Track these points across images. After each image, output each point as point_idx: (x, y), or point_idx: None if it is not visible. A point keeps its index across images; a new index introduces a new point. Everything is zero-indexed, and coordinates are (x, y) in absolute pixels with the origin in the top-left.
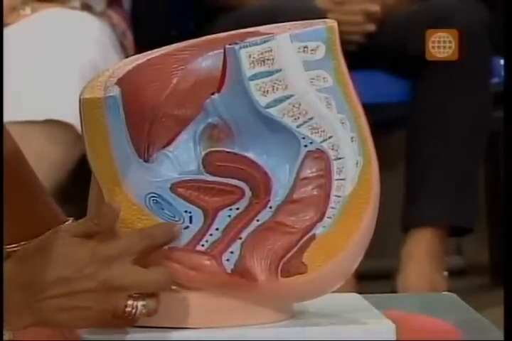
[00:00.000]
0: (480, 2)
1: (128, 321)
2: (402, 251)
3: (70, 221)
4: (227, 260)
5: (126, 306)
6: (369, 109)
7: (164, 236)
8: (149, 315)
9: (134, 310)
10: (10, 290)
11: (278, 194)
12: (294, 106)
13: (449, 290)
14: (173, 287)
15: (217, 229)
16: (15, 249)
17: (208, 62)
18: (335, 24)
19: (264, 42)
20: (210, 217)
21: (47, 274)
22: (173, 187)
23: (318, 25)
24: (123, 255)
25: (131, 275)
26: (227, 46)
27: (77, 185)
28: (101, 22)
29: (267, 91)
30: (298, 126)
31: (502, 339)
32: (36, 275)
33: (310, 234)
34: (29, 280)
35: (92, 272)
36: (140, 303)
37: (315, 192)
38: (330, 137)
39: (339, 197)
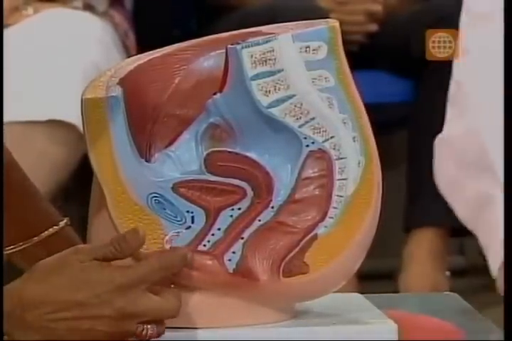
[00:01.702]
0: None
1: (133, 338)
2: (404, 251)
3: (65, 220)
4: (229, 260)
5: (136, 329)
6: (371, 108)
7: (180, 265)
8: (158, 337)
9: (144, 332)
10: (21, 305)
11: (280, 194)
12: (295, 106)
13: (450, 290)
14: (173, 286)
15: (219, 229)
16: (12, 250)
17: (209, 62)
18: (337, 24)
19: (266, 42)
20: (212, 216)
21: (62, 296)
22: (175, 187)
23: (320, 25)
24: (140, 283)
25: (145, 303)
26: (229, 46)
27: (79, 185)
28: (103, 22)
29: (269, 91)
30: (300, 126)
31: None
32: (51, 295)
33: (312, 234)
34: (42, 299)
35: (109, 299)
36: (149, 326)
37: (317, 192)
38: (332, 137)
39: (341, 197)
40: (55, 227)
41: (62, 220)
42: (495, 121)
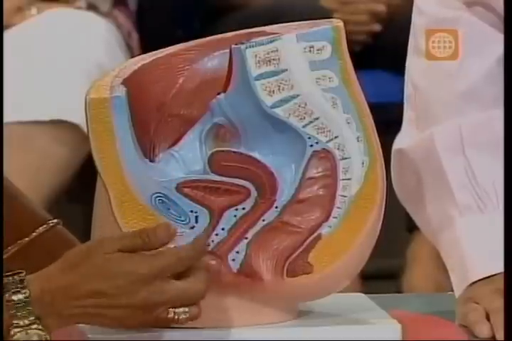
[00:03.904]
0: None
1: (169, 324)
2: (408, 251)
3: (56, 220)
4: (233, 260)
5: (167, 314)
6: (375, 108)
7: (202, 254)
8: (192, 320)
9: (176, 317)
10: (49, 292)
11: (284, 194)
12: (299, 106)
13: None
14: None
15: (223, 229)
16: (6, 255)
17: (213, 62)
18: (341, 24)
19: (270, 42)
20: (215, 216)
21: (88, 285)
22: (179, 187)
23: (324, 25)
24: (163, 273)
25: (169, 292)
26: (233, 46)
27: (83, 186)
28: (106, 22)
29: (273, 91)
30: (304, 126)
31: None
32: (77, 284)
33: (316, 233)
34: (69, 287)
35: (132, 290)
36: (181, 310)
37: (321, 192)
38: (336, 137)
39: (345, 196)
40: (44, 226)
41: (51, 220)
42: (452, 136)
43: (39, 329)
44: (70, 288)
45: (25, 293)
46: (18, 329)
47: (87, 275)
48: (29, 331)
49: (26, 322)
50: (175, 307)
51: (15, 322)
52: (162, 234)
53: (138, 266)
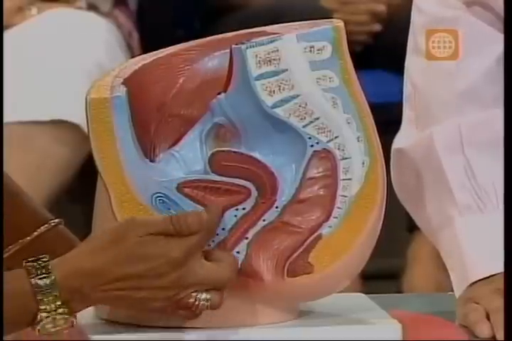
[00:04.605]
0: None
1: (190, 312)
2: (408, 251)
3: (57, 220)
4: None
5: (190, 298)
6: (375, 108)
7: (218, 222)
8: (212, 308)
9: (197, 302)
10: (76, 277)
11: (284, 194)
12: (300, 106)
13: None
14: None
15: (223, 229)
16: (7, 254)
17: (214, 62)
18: (341, 24)
19: (271, 42)
20: None
21: (119, 269)
22: (180, 187)
23: (324, 25)
24: (194, 253)
25: (201, 272)
26: (234, 46)
27: (84, 186)
28: (107, 22)
29: (274, 91)
30: (304, 126)
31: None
32: (108, 268)
33: (316, 234)
34: (99, 271)
35: (165, 271)
36: (203, 296)
37: (321, 192)
38: (336, 137)
39: (345, 197)
40: (46, 226)
41: (52, 219)
42: (452, 136)
43: (65, 314)
44: (100, 271)
45: (51, 278)
46: (45, 314)
47: (119, 258)
48: (56, 316)
49: (53, 307)
50: (199, 292)
51: (41, 307)
52: (193, 222)
53: (170, 249)
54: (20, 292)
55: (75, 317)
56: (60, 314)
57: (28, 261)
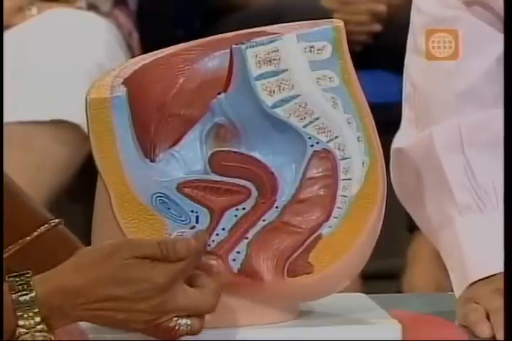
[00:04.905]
0: None
1: (169, 336)
2: (408, 251)
3: (57, 220)
4: (234, 260)
5: (170, 322)
6: (375, 108)
7: (204, 250)
8: (192, 334)
9: (177, 327)
10: (58, 294)
11: (284, 194)
12: (300, 106)
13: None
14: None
15: (223, 229)
16: (7, 253)
17: (214, 62)
18: (341, 24)
19: (271, 42)
20: (216, 216)
21: (101, 290)
22: (180, 187)
23: (324, 25)
24: (178, 279)
25: (184, 299)
26: (234, 46)
27: (84, 186)
28: (107, 22)
29: (274, 91)
30: (304, 126)
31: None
32: (90, 288)
33: (316, 234)
34: (81, 290)
35: (147, 296)
36: (183, 321)
37: (321, 192)
38: (336, 137)
39: (345, 197)
40: (46, 226)
41: (52, 219)
42: (452, 136)
43: (44, 330)
44: (83, 290)
45: (31, 294)
46: (24, 330)
47: (102, 279)
48: (35, 333)
49: (32, 323)
50: (180, 318)
51: (20, 323)
52: (181, 249)
53: (155, 274)
54: (3, 306)
55: (54, 334)
56: (39, 331)
57: (11, 276)
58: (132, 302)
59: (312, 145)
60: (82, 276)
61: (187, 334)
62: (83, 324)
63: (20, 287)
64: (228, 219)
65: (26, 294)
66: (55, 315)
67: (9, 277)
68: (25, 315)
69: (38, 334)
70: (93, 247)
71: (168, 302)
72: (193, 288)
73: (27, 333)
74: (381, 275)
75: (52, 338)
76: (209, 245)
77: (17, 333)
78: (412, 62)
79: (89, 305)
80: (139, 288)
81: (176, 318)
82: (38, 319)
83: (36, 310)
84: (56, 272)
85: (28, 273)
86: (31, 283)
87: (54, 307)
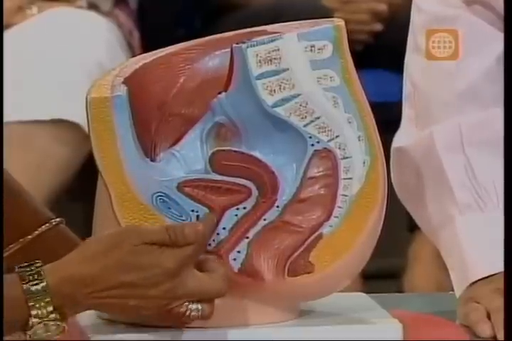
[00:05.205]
0: None
1: (181, 321)
2: (409, 251)
3: (59, 219)
4: (234, 259)
5: (181, 307)
6: (376, 107)
7: (210, 233)
8: (203, 319)
9: (188, 312)
10: (69, 283)
11: (285, 193)
12: (301, 105)
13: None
14: None
15: (224, 229)
16: (7, 253)
17: (215, 61)
18: (342, 23)
19: (272, 41)
20: (217, 216)
21: (112, 277)
22: (180, 187)
23: (325, 24)
24: (187, 263)
25: (194, 283)
26: (235, 45)
27: (84, 185)
28: (107, 21)
29: (274, 90)
30: (305, 125)
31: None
32: (101, 275)
33: (317, 233)
34: (92, 278)
35: (157, 281)
36: (194, 306)
37: (322, 192)
38: (337, 136)
39: (346, 196)
40: (47, 225)
41: (54, 218)
42: (452, 135)
43: (57, 319)
44: (93, 278)
45: (43, 284)
46: (37, 320)
47: (112, 266)
48: (48, 322)
49: (44, 312)
50: (191, 302)
51: (33, 312)
52: (190, 233)
53: (164, 260)
54: (13, 297)
55: (67, 323)
56: (52, 320)
57: (21, 267)
58: (143, 288)
59: (313, 145)
60: (93, 264)
61: (198, 318)
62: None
63: (31, 277)
64: (229, 219)
65: (37, 284)
66: (67, 303)
67: (20, 267)
68: (37, 305)
69: (51, 323)
70: (99, 236)
71: (178, 287)
72: (202, 273)
73: (40, 323)
74: (382, 275)
75: (66, 327)
76: (209, 245)
77: (30, 323)
78: (412, 61)
79: (100, 293)
80: (149, 274)
81: (186, 303)
82: (50, 308)
83: (48, 299)
84: (66, 261)
85: (38, 262)
86: (42, 272)
87: (65, 296)
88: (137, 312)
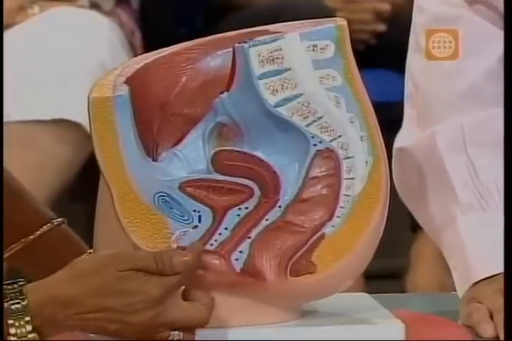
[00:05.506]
0: None
1: None
2: (412, 251)
3: (60, 219)
4: (236, 259)
5: (163, 335)
6: (379, 107)
7: (197, 264)
8: None
9: (170, 337)
10: (52, 303)
11: (287, 193)
12: (303, 105)
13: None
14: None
15: (226, 229)
16: (9, 253)
17: (216, 60)
18: (345, 23)
19: (274, 40)
20: (219, 216)
21: (95, 300)
22: (182, 187)
23: (327, 23)
24: (172, 292)
25: (178, 312)
26: (237, 45)
27: (86, 185)
28: (109, 21)
29: (276, 90)
30: (307, 125)
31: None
32: (84, 298)
33: (319, 233)
34: (75, 300)
35: (140, 308)
36: (176, 333)
37: (324, 192)
38: (339, 136)
39: (348, 196)
40: (48, 225)
41: (55, 218)
42: (454, 135)
43: (35, 340)
44: (76, 301)
45: (23, 303)
46: (15, 339)
47: (96, 291)
48: None
49: (23, 331)
50: (177, 330)
51: (11, 331)
52: (178, 263)
53: (149, 287)
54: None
55: None
56: (30, 340)
57: (6, 284)
58: (125, 314)
59: (315, 145)
60: (76, 286)
61: None
62: None
63: (12, 295)
64: (231, 219)
65: (18, 302)
66: (47, 324)
67: (4, 284)
68: (16, 324)
69: None
70: (88, 257)
71: (161, 314)
72: (186, 302)
73: None
74: (384, 275)
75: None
76: (211, 245)
77: None
78: (414, 61)
79: (82, 316)
80: (133, 300)
81: (168, 331)
82: (29, 328)
83: (28, 318)
84: (50, 281)
85: (21, 281)
86: (24, 291)
87: (46, 316)
88: (118, 335)
